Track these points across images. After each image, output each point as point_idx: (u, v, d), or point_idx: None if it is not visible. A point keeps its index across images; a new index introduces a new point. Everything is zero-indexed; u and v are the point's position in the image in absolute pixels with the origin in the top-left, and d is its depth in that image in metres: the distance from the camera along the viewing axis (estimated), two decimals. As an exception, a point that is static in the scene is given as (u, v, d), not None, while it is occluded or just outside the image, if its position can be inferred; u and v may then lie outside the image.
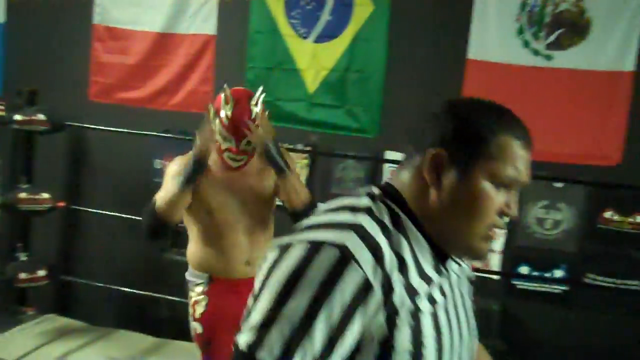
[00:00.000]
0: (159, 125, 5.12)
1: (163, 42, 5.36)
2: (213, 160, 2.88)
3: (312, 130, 4.99)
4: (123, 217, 4.94)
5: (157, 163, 5.47)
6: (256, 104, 2.79)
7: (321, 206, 1.35)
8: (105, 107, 5.50)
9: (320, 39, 4.98)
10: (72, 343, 4.94)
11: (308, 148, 5.00)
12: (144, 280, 5.12)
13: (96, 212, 5.11)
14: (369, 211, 1.23)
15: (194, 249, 3.02)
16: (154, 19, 5.36)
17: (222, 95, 2.78)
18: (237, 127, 2.74)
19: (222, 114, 2.75)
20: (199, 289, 2.99)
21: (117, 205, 5.16)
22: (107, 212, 5.02)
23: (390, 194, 1.30)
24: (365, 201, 1.27)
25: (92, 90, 5.59)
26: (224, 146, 2.79)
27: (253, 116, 2.76)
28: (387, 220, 1.23)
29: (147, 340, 4.98)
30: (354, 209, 1.23)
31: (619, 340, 4.45)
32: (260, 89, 2.85)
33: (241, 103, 2.77)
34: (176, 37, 5.33)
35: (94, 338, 5.06)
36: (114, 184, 5.53)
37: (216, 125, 2.77)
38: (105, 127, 4.96)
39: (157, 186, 5.31)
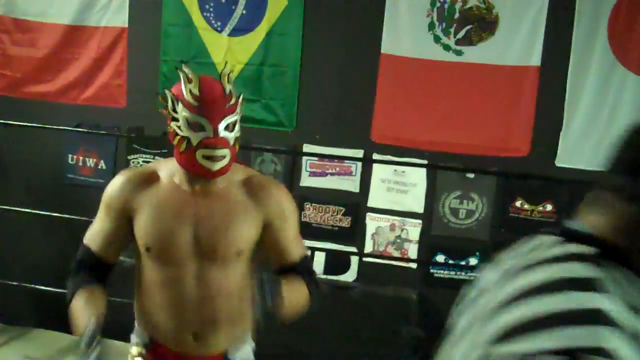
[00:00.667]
0: (71, 120, 5.03)
1: (73, 35, 5.20)
2: (168, 173, 2.14)
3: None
4: (36, 213, 4.81)
5: (70, 158, 5.34)
6: (228, 81, 2.03)
7: (509, 285, 0.96)
8: (13, 101, 5.33)
9: (234, 33, 4.94)
10: (-13, 344, 4.83)
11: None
12: (61, 278, 5.00)
13: (7, 209, 4.96)
14: (604, 286, 0.87)
15: (135, 296, 2.30)
16: (63, 11, 5.19)
17: (182, 74, 1.99)
18: (210, 104, 1.96)
19: (186, 94, 1.96)
20: (134, 350, 2.27)
21: (30, 201, 5.03)
22: (19, 209, 4.87)
23: (611, 254, 0.92)
24: (586, 269, 0.90)
25: (0, 84, 5.41)
26: (195, 140, 1.97)
27: (227, 93, 2.00)
28: (634, 297, 0.87)
29: (65, 338, 4.89)
30: (581, 284, 0.87)
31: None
32: (225, 66, 2.09)
33: (208, 79, 2.03)
34: (87, 30, 5.18)
35: (10, 338, 4.94)
36: (26, 180, 5.38)
37: (179, 113, 1.99)
38: (14, 121, 4.80)
39: (71, 182, 5.31)
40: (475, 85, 4.59)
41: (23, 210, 4.85)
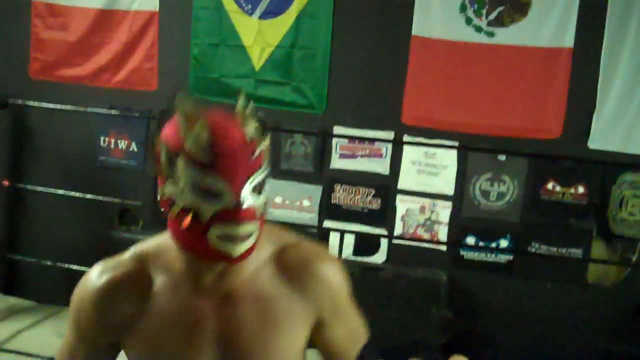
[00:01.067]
0: (103, 103, 5.08)
1: (105, 19, 5.24)
2: (163, 264, 1.41)
3: (258, 106, 4.96)
4: (69, 195, 4.88)
5: (102, 141, 5.39)
6: (245, 118, 1.28)
7: None
8: (46, 84, 5.40)
9: (265, 16, 4.94)
10: (23, 322, 4.96)
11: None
12: (92, 258, 5.07)
13: (42, 191, 5.03)
14: None
15: None
16: (95, -4, 5.25)
17: (180, 112, 1.23)
18: (229, 158, 1.23)
19: (189, 143, 1.21)
20: None
21: (63, 183, 5.11)
22: (52, 191, 4.94)
23: None
24: None
25: (33, 68, 5.46)
26: (206, 213, 1.24)
27: (249, 138, 1.26)
28: None
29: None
30: None
31: (561, 307, 4.62)
32: (242, 97, 1.32)
33: (219, 118, 1.26)
34: (118, 14, 5.22)
35: (44, 316, 5.08)
36: (59, 162, 5.45)
37: (179, 172, 1.23)
38: (47, 104, 4.85)
39: (102, 165, 5.36)
40: (507, 67, 4.57)
41: (55, 191, 4.92)
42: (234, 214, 1.23)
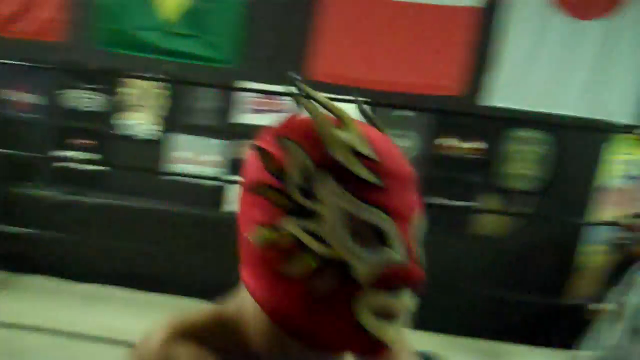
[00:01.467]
0: (8, 54, 4.94)
1: (10, -34, 5.09)
2: (224, 345, 0.87)
3: (167, 59, 4.89)
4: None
5: (7, 94, 5.24)
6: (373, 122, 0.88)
7: None
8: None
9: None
10: None
11: (162, 77, 4.87)
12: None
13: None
14: None
15: None
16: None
17: (313, 110, 0.81)
18: (402, 186, 0.82)
19: (345, 157, 0.78)
20: None
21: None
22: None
23: None
24: None
25: None
26: (364, 269, 0.78)
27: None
28: None
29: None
30: None
31: (451, 258, 4.72)
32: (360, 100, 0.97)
33: (364, 125, 0.84)
34: (25, -39, 5.08)
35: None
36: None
37: (323, 198, 0.78)
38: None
39: (4, 118, 5.12)
40: (414, 23, 4.65)
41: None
42: (406, 272, 0.79)
